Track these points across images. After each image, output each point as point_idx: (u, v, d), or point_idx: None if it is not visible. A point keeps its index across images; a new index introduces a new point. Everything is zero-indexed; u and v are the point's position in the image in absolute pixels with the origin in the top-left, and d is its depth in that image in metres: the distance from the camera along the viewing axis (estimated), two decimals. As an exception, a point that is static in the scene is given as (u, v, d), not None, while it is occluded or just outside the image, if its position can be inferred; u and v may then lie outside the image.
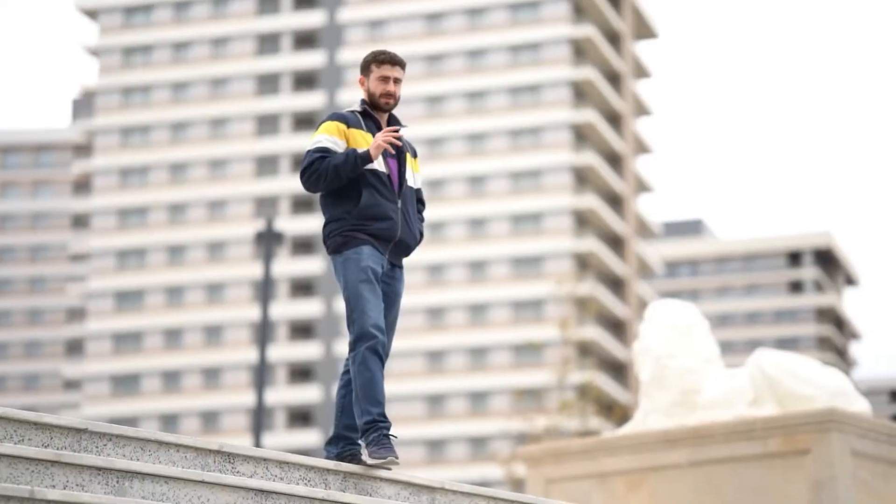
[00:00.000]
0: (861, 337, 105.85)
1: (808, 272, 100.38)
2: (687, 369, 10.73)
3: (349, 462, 5.43)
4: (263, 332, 17.70)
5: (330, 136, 5.37)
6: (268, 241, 18.21)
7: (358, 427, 5.38)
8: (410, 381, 70.66)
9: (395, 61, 5.43)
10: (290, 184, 75.32)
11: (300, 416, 72.78)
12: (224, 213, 75.36)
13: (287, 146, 75.78)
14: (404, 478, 5.56)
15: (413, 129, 73.68)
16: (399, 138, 5.42)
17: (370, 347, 5.26)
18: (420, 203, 5.62)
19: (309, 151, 5.37)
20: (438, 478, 5.92)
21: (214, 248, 74.94)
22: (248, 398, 70.85)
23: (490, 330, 70.23)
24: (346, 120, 5.40)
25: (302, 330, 74.09)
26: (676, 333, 10.95)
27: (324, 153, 5.34)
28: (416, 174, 5.59)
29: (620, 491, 10.33)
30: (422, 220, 5.61)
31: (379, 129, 5.45)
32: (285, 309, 73.01)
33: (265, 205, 75.13)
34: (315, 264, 73.95)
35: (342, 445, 5.46)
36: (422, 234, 5.57)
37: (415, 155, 5.61)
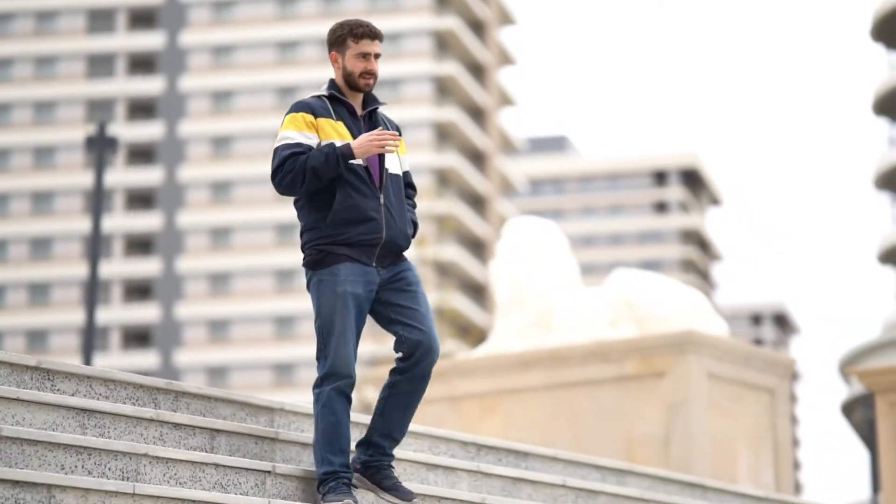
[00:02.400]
0: (723, 258, 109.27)
1: (674, 192, 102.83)
2: (544, 289, 10.90)
3: (374, 475, 4.99)
4: (95, 246, 17.33)
5: (299, 131, 4.97)
6: (100, 148, 17.74)
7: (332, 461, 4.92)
8: (258, 301, 70.37)
9: (374, 34, 5.04)
10: (126, 86, 73.37)
11: (137, 337, 71.87)
12: (52, 115, 73.10)
13: (123, 45, 73.67)
14: (240, 398, 5.54)
15: (265, 32, 72.48)
16: (385, 128, 5.06)
17: (338, 388, 4.90)
18: (410, 187, 5.23)
19: (277, 149, 4.96)
20: (279, 399, 5.93)
21: (41, 153, 72.78)
22: (78, 316, 69.54)
23: (343, 248, 70.25)
24: (313, 109, 5.01)
25: (140, 245, 72.84)
26: (534, 252, 11.09)
27: (296, 150, 4.95)
28: (402, 156, 5.19)
29: (474, 414, 10.49)
30: (413, 206, 5.23)
31: (350, 112, 5.05)
32: (121, 222, 71.60)
33: (98, 108, 73.13)
34: (154, 174, 72.55)
35: (370, 453, 5.04)
36: (415, 226, 5.19)
37: (399, 135, 5.16)
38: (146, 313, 70.95)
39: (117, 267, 70.96)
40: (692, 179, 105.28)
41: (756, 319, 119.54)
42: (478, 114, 77.36)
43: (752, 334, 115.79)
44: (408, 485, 5.36)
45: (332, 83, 5.09)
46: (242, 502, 4.74)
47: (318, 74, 71.18)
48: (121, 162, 72.19)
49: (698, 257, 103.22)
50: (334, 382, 4.90)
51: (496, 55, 78.96)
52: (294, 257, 70.80)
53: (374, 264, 4.98)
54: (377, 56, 5.05)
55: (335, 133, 4.99)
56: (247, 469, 5.02)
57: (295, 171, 4.93)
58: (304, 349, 69.38)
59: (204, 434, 5.19)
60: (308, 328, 70.07)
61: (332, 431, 4.90)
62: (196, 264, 71.15)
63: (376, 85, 5.12)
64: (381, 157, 5.05)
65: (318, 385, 4.94)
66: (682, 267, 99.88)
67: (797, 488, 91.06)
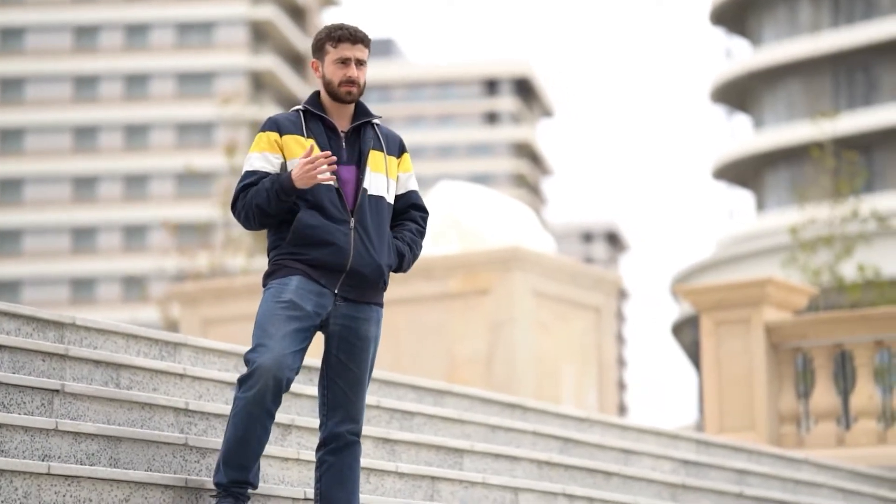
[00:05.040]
0: (554, 173, 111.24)
1: (505, 103, 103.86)
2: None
3: None
4: None
5: (261, 154, 4.76)
6: None
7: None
8: (56, 210, 68.55)
9: (356, 37, 4.81)
10: None
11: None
12: None
13: None
14: (26, 311, 5.42)
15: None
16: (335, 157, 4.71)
17: (256, 399, 4.55)
18: (415, 209, 4.94)
19: (239, 181, 4.77)
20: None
21: None
22: None
23: (149, 155, 68.83)
24: (279, 126, 4.78)
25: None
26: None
27: (249, 180, 4.74)
28: (399, 175, 4.90)
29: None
30: (413, 232, 4.90)
31: (330, 129, 4.79)
32: None
33: None
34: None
35: None
36: (401, 257, 4.84)
37: (399, 152, 4.90)
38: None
39: None
40: (524, 89, 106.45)
41: (587, 237, 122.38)
42: (297, 13, 76.33)
43: (583, 252, 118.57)
44: (211, 405, 5.35)
45: (313, 96, 4.88)
46: (27, 423, 4.65)
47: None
48: None
49: (529, 171, 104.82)
50: (252, 389, 4.57)
51: (319, -51, 77.89)
52: (93, 163, 69.09)
53: (335, 291, 4.73)
54: (360, 62, 4.82)
55: (302, 151, 4.75)
56: (32, 388, 4.93)
57: (245, 209, 4.75)
58: (105, 263, 68.08)
59: (-15, 351, 5.07)
60: (109, 240, 68.70)
61: (237, 445, 4.63)
62: (-16, 170, 68.80)
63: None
64: (359, 176, 4.80)
65: (237, 387, 4.66)
66: (512, 181, 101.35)
67: (622, 409, 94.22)
